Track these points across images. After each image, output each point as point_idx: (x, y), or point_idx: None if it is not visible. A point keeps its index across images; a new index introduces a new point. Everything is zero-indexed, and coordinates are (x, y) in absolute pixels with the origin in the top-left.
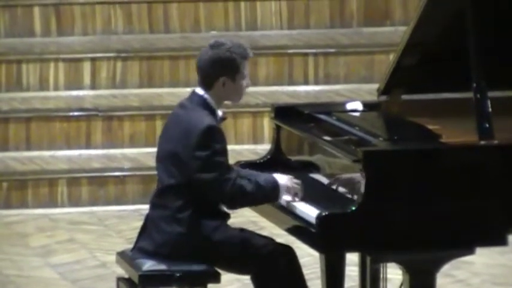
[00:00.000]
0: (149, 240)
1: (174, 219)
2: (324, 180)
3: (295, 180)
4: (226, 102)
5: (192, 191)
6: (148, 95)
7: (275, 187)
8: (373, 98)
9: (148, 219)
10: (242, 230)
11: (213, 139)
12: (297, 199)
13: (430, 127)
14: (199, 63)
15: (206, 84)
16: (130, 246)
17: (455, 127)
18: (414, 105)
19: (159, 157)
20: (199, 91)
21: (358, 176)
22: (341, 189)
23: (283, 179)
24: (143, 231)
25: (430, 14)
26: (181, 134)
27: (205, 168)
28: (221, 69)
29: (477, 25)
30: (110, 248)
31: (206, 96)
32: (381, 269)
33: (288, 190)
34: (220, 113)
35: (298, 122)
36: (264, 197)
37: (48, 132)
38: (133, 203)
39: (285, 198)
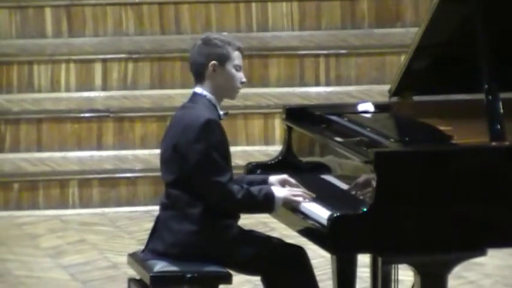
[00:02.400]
0: (160, 241)
1: (185, 215)
2: (336, 182)
3: (296, 192)
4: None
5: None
6: (160, 96)
7: (269, 199)
8: (384, 99)
9: (159, 220)
10: (252, 231)
11: (210, 132)
12: (306, 201)
13: (442, 128)
14: (190, 58)
15: (199, 75)
16: (142, 247)
17: (467, 128)
18: (425, 107)
19: (162, 159)
20: (197, 89)
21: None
22: (357, 193)
23: (281, 192)
24: (154, 233)
25: (441, 15)
26: (182, 130)
27: (200, 164)
28: (210, 55)
29: (488, 26)
30: (121, 249)
31: (205, 93)
32: (393, 270)
33: (287, 202)
34: (221, 111)
35: (310, 123)
36: (255, 207)
37: (59, 133)
38: (145, 204)
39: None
